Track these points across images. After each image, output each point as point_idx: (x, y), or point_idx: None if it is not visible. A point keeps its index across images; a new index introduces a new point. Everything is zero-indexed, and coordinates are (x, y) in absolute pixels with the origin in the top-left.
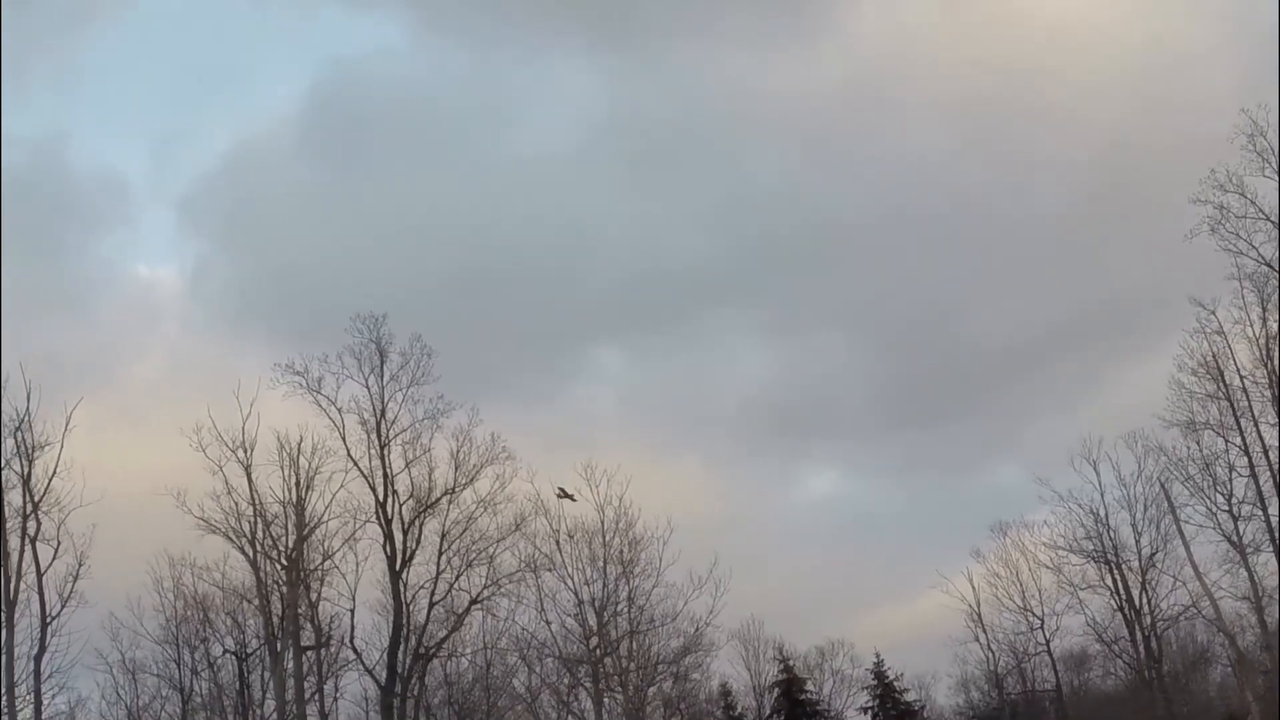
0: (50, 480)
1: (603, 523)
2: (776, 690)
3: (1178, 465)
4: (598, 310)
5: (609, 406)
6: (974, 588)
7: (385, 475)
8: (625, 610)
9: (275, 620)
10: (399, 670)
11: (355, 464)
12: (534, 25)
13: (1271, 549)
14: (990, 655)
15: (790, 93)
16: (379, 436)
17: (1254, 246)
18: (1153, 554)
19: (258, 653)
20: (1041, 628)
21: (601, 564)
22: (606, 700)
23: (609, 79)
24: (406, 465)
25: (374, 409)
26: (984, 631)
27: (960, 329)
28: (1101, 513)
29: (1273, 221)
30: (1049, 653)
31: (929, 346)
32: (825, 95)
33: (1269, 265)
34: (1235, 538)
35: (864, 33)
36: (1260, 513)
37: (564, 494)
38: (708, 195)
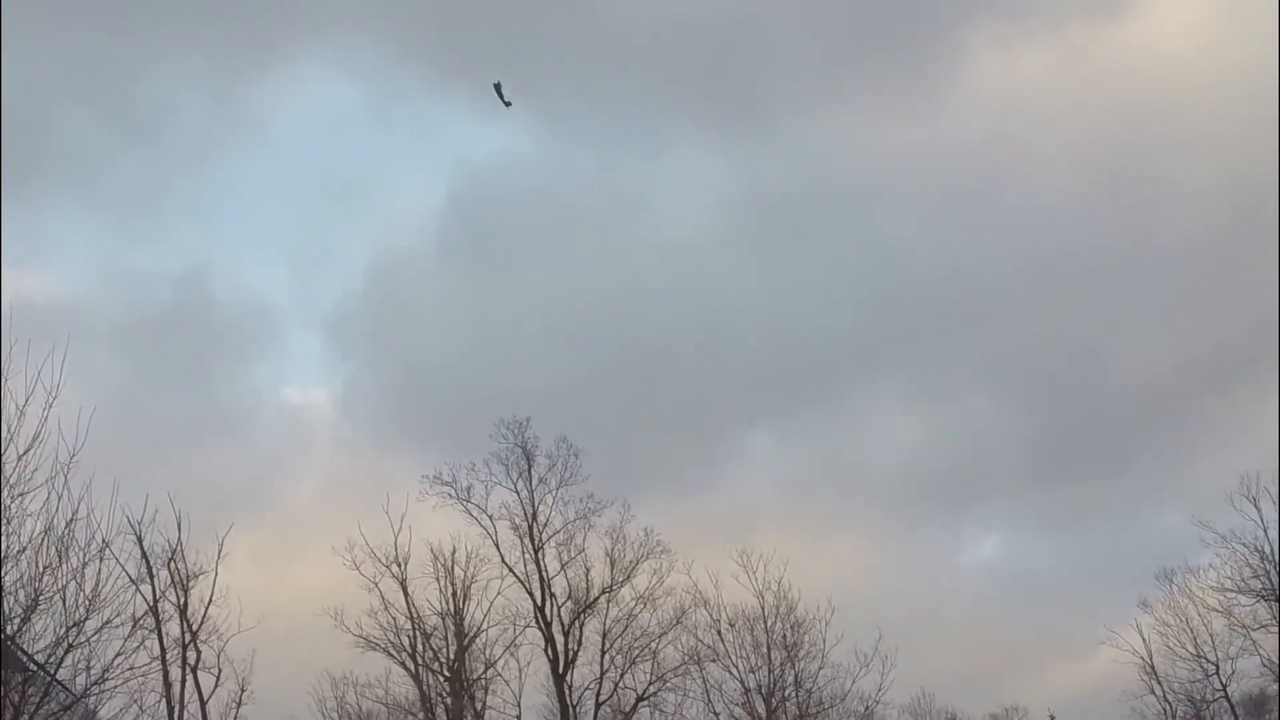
0: (207, 608)
1: (763, 608)
2: None
3: None
4: (742, 392)
5: (761, 489)
6: (1144, 639)
7: (541, 579)
8: (793, 695)
9: None
10: None
11: (510, 570)
12: (657, 118)
13: None
14: (1167, 706)
15: (915, 154)
16: (532, 540)
17: None
18: None
19: None
20: (1217, 673)
21: (765, 650)
22: None
23: (736, 160)
24: (562, 567)
25: (525, 513)
26: (1159, 683)
27: (1105, 375)
28: (1267, 549)
29: None
30: (1227, 698)
31: (1076, 396)
32: (950, 153)
33: None
34: None
35: (985, 87)
36: None
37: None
38: (843, 265)
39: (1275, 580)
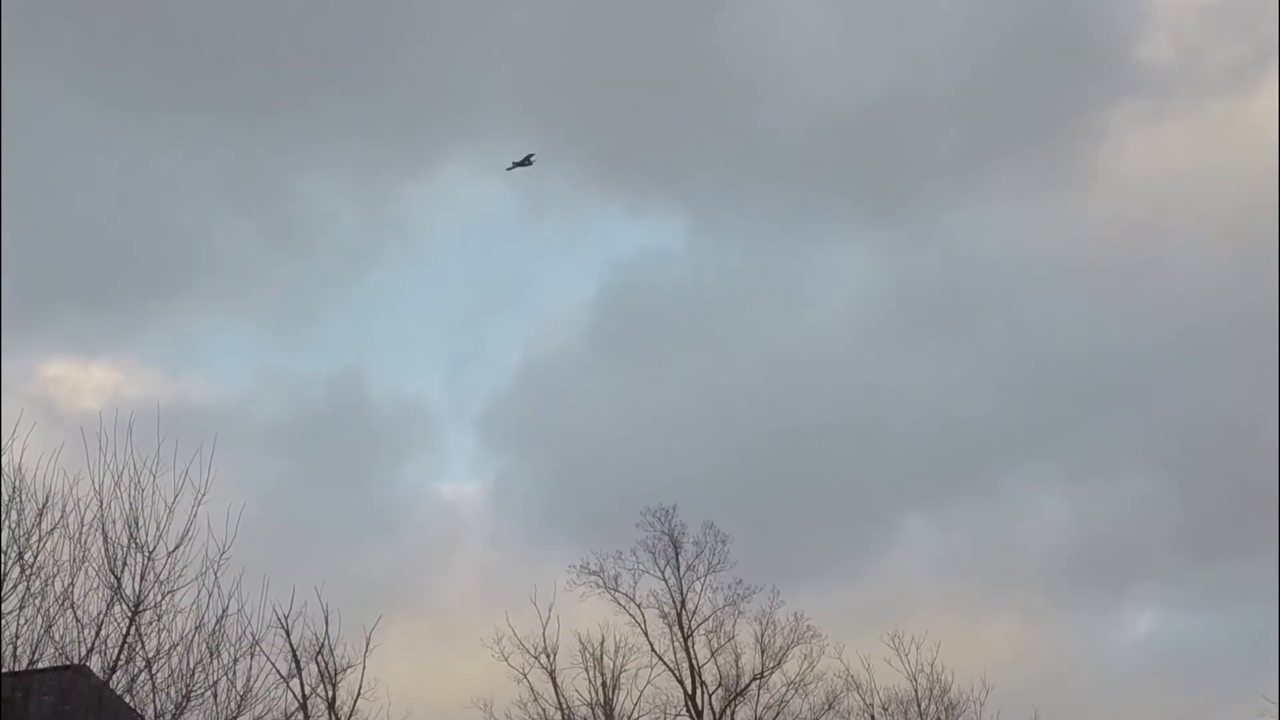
0: (355, 701)
1: (916, 691)
2: None
3: None
4: (893, 478)
5: (915, 574)
6: None
7: (691, 666)
8: None
9: None
10: None
11: (660, 658)
12: (804, 213)
13: None
14: None
15: (1061, 238)
16: (681, 628)
17: None
18: None
19: None
20: None
21: None
22: None
23: (883, 252)
24: (712, 654)
25: (673, 601)
26: None
27: (1260, 448)
28: None
29: None
30: None
31: (1231, 471)
32: (1095, 234)
33: None
34: None
35: (1128, 166)
36: None
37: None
38: (990, 351)
39: None
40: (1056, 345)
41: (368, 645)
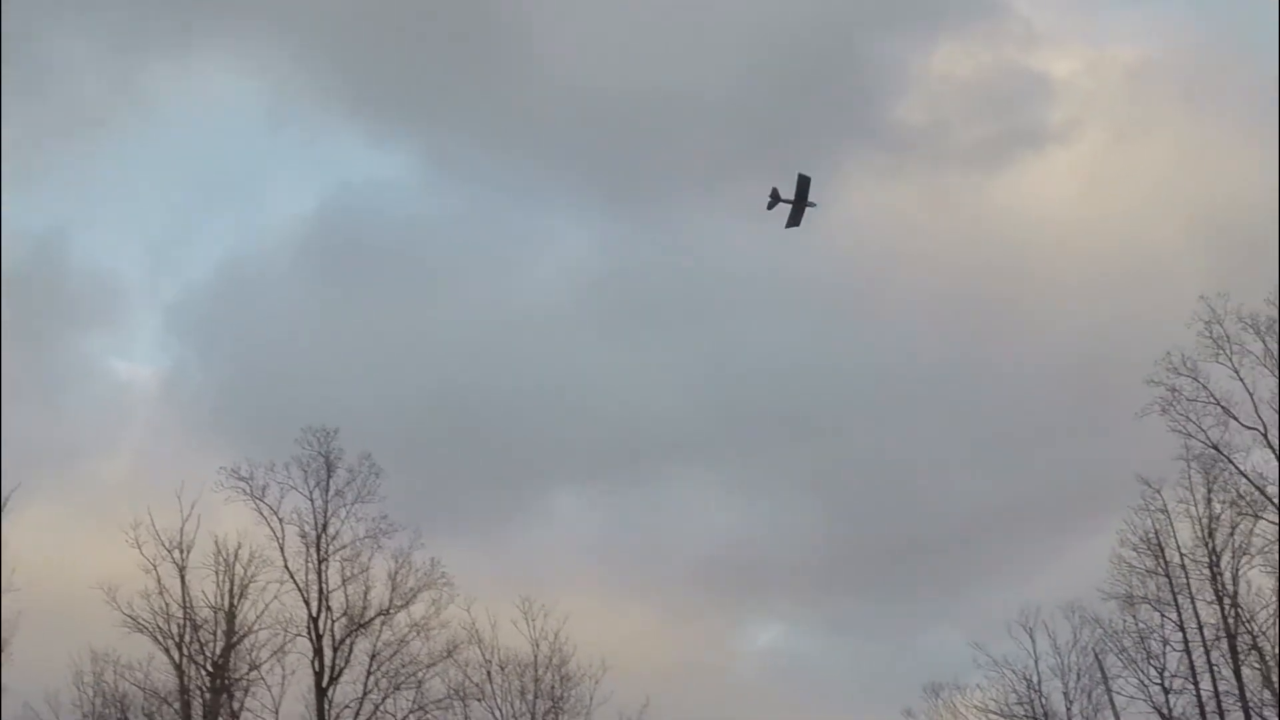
0: None
1: (536, 657)
2: None
3: (1113, 637)
4: (565, 456)
5: (563, 551)
6: None
7: (321, 590)
8: None
9: None
10: None
11: (291, 576)
12: (540, 181)
13: None
14: None
15: (784, 264)
16: (318, 551)
17: (1203, 430)
18: None
19: None
20: None
21: (531, 698)
22: None
23: (613, 239)
24: (343, 582)
25: (316, 523)
26: None
27: (919, 498)
28: (1035, 679)
29: (1223, 406)
30: None
31: (887, 514)
32: (817, 267)
33: (1215, 448)
34: (1165, 710)
35: (861, 212)
36: (1191, 687)
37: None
38: (691, 355)
39: (1037, 708)
40: (755, 363)
41: (2, 507)
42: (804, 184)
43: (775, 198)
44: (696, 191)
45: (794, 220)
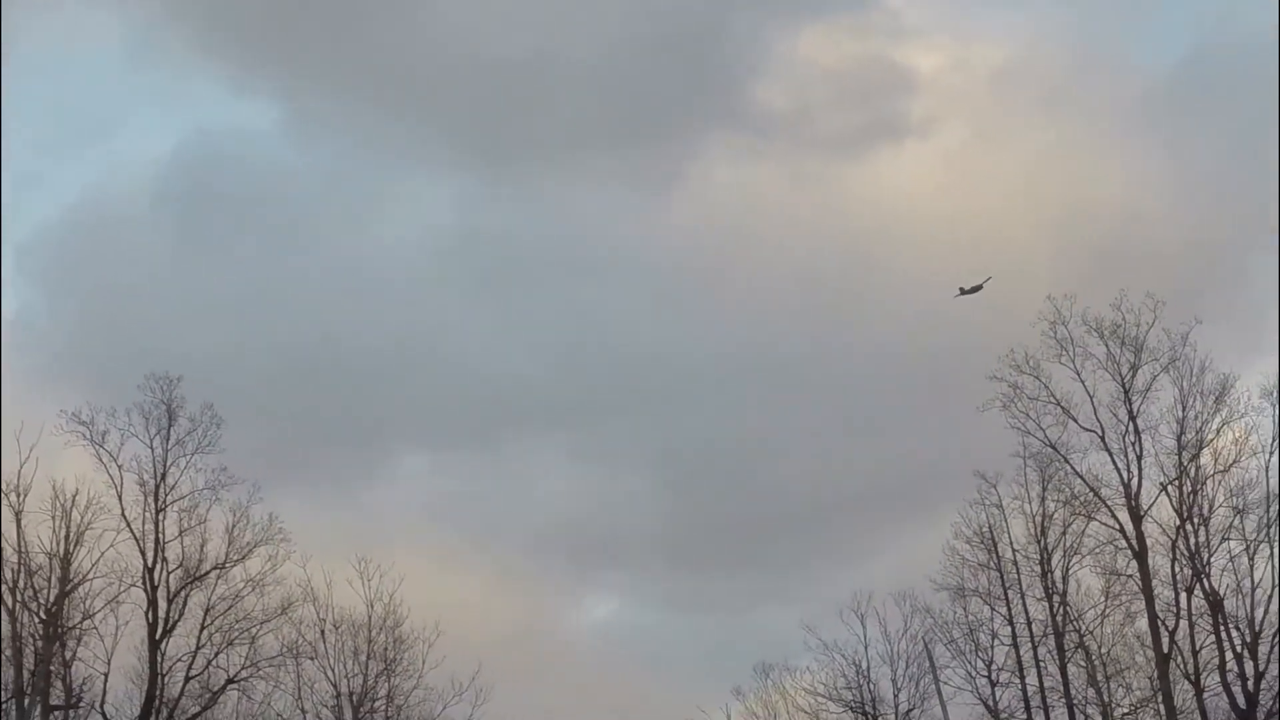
0: None
1: (370, 618)
2: None
3: (943, 628)
4: (411, 417)
5: (404, 512)
6: None
7: (157, 541)
8: (383, 708)
9: (26, 675)
10: None
11: (128, 525)
12: (403, 139)
13: (1025, 716)
14: None
15: (643, 237)
16: (156, 500)
17: (1041, 428)
18: (910, 710)
19: (4, 707)
20: None
21: (364, 659)
22: None
23: (471, 199)
24: (180, 533)
25: (155, 472)
26: None
27: (759, 480)
28: (864, 665)
29: (1063, 407)
30: None
31: (726, 494)
32: (676, 243)
33: (1053, 447)
34: (991, 703)
35: (719, 191)
36: (1018, 681)
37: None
38: (547, 323)
39: (865, 694)
40: (607, 333)
41: None
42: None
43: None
44: (559, 158)
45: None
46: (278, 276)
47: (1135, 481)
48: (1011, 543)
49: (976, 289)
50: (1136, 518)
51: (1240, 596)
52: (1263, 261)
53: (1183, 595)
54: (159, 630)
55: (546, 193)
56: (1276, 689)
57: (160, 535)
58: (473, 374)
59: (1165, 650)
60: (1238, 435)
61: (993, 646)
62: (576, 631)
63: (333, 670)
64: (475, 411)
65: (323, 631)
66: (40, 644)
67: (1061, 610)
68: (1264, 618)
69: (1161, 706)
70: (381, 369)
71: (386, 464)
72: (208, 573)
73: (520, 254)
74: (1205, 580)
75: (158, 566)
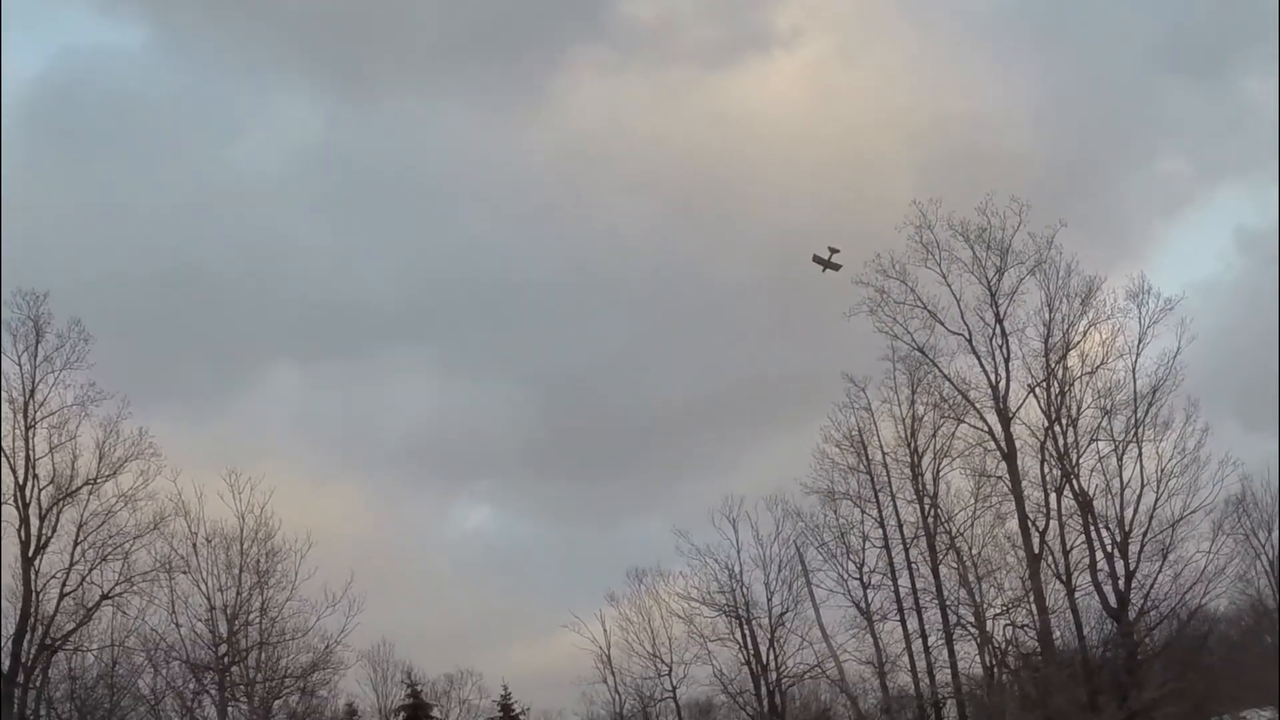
0: None
1: (242, 530)
2: (402, 714)
3: (814, 531)
4: (278, 330)
5: (275, 424)
6: (605, 630)
7: (28, 458)
8: (257, 621)
9: None
10: (22, 660)
11: None
12: (266, 58)
13: (897, 618)
14: (616, 697)
15: (506, 157)
16: (25, 417)
17: (909, 332)
18: (783, 613)
19: None
20: (669, 674)
21: (237, 571)
22: (231, 710)
23: (329, 115)
24: (50, 450)
25: (23, 388)
26: (612, 674)
27: (627, 391)
28: (736, 569)
29: (929, 310)
30: (675, 699)
31: (597, 403)
32: (539, 162)
33: (920, 351)
34: (863, 605)
35: (583, 107)
36: (890, 583)
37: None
38: (413, 240)
39: (739, 598)
40: (472, 248)
41: None
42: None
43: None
44: (420, 77)
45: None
46: (145, 194)
47: (1003, 384)
48: (881, 446)
49: (832, 265)
50: (1005, 420)
51: (1110, 497)
52: (1126, 167)
53: (1052, 496)
54: (31, 547)
55: (409, 111)
56: (1147, 588)
57: (30, 452)
58: (340, 289)
59: (1036, 551)
60: (1104, 337)
61: (864, 549)
62: (449, 541)
63: (206, 584)
64: (344, 326)
65: (195, 545)
66: None
67: (932, 512)
68: (1133, 517)
69: (1033, 606)
70: (249, 285)
71: (255, 378)
72: (79, 489)
73: (385, 172)
74: (1074, 481)
75: (29, 484)
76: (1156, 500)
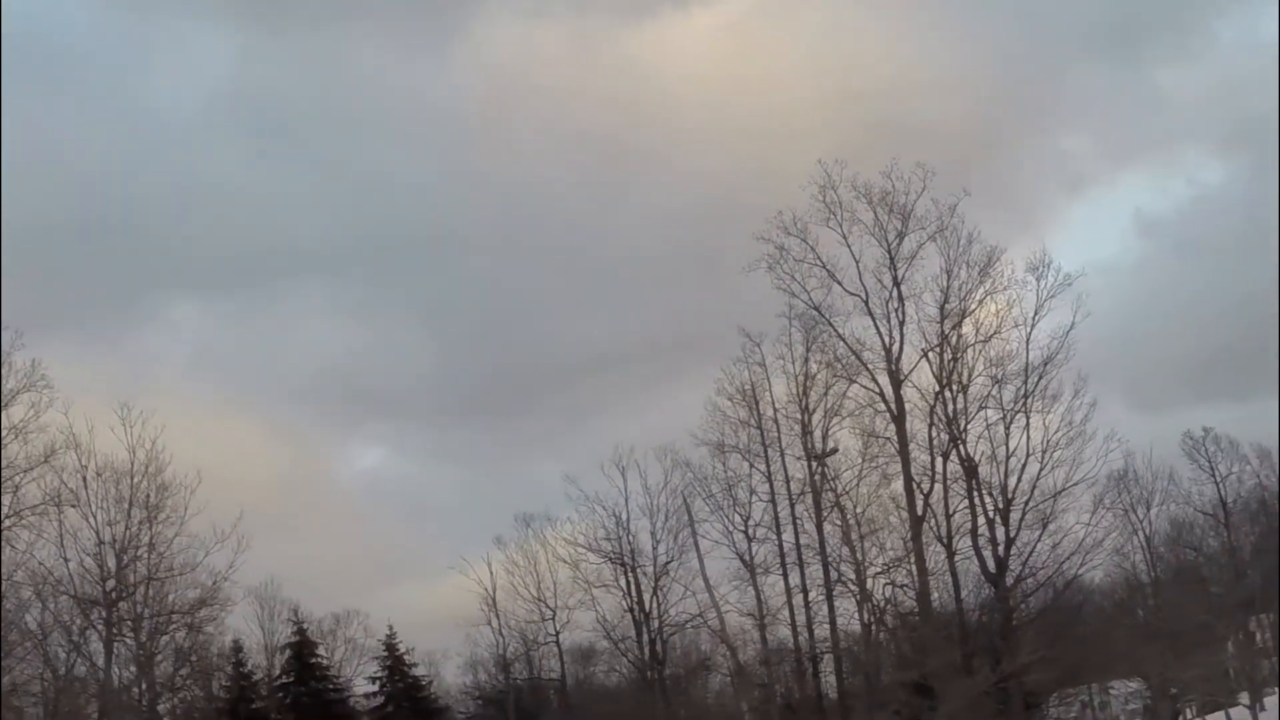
0: None
1: (133, 464)
2: (288, 651)
3: (702, 482)
4: (180, 265)
5: (172, 358)
6: (491, 573)
7: None
8: (146, 556)
9: None
10: None
11: None
12: None
13: (780, 572)
14: (500, 640)
15: (420, 93)
16: None
17: (806, 290)
18: (668, 562)
19: None
20: (553, 619)
21: (127, 506)
22: (117, 646)
23: (243, 50)
24: None
25: None
26: (497, 616)
27: (529, 338)
28: (623, 517)
29: (828, 270)
30: (558, 644)
31: (495, 347)
32: (455, 102)
33: (817, 310)
34: (747, 557)
35: (497, 50)
36: (774, 537)
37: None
38: (319, 177)
39: (624, 545)
40: (379, 188)
41: None
42: None
43: None
44: (337, 11)
45: None
46: (47, 124)
47: (897, 347)
48: (773, 401)
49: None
50: (896, 382)
51: (995, 464)
52: (1032, 141)
53: (938, 460)
54: None
55: (324, 46)
56: (1026, 555)
57: None
58: (242, 225)
59: (919, 513)
60: (1000, 307)
61: (750, 503)
62: (341, 480)
63: (95, 518)
64: (243, 262)
65: (85, 479)
66: None
67: (820, 469)
68: (1017, 486)
69: (914, 567)
70: (150, 218)
71: (154, 311)
72: None
73: (295, 107)
74: (961, 446)
75: None
76: (1040, 470)
